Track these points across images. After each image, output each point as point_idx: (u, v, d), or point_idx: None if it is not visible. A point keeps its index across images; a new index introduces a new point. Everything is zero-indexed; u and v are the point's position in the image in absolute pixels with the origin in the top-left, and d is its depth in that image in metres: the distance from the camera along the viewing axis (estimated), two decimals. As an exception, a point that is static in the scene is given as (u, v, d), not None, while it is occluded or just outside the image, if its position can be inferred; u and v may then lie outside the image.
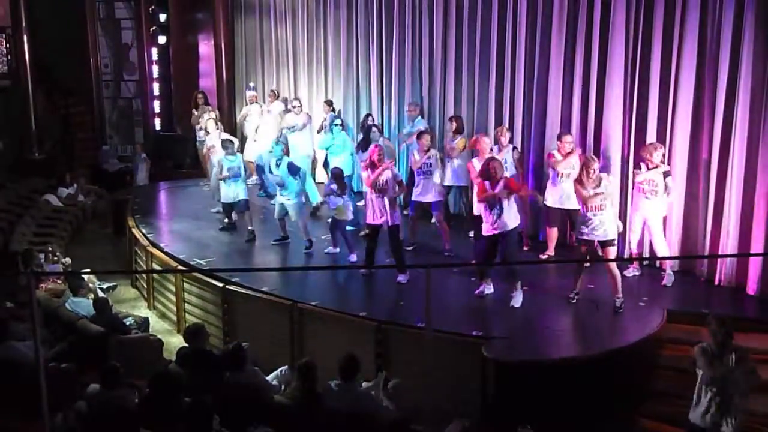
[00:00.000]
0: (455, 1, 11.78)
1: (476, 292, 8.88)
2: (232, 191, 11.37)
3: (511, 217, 8.48)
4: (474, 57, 11.63)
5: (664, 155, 9.00)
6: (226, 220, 11.85)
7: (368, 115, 12.60)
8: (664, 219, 9.25)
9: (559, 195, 9.78)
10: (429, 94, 12.42)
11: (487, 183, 8.47)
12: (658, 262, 9.51)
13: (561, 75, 10.44)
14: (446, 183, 10.84)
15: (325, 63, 14.31)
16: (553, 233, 10.12)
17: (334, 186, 10.21)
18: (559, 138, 9.81)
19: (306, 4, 14.55)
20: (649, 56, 9.42)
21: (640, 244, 9.41)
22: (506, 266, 8.65)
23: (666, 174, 8.92)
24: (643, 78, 9.52)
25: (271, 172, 10.88)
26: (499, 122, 11.30)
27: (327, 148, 12.58)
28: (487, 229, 8.55)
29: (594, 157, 8.83)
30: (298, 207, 10.71)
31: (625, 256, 9.57)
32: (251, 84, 15.38)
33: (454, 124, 11.07)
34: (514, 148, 10.34)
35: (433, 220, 10.47)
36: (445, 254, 10.17)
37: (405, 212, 10.63)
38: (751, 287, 8.73)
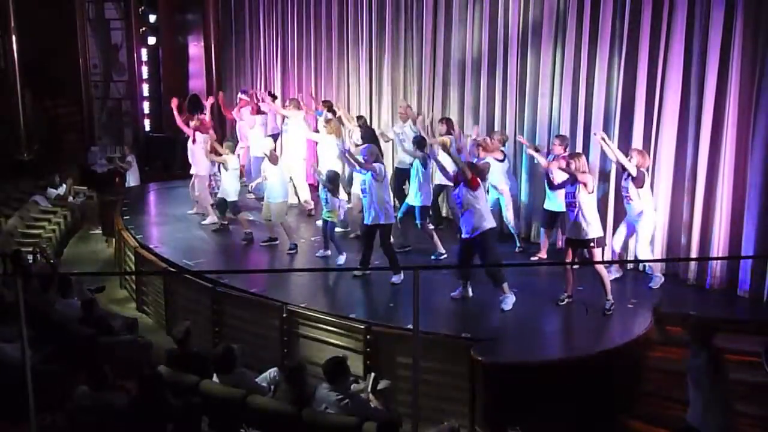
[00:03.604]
0: (444, 3, 11.82)
1: (453, 294, 8.91)
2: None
3: (482, 217, 8.48)
4: (465, 58, 11.67)
5: (639, 164, 8.85)
6: (218, 220, 11.85)
7: (359, 117, 12.59)
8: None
9: (548, 197, 9.83)
10: (418, 95, 12.44)
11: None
12: (646, 265, 9.53)
13: (550, 78, 10.49)
14: (435, 182, 10.88)
15: (315, 64, 14.30)
16: (546, 236, 10.18)
17: (328, 187, 10.17)
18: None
19: (296, 5, 14.53)
20: (636, 59, 9.44)
21: (622, 247, 9.36)
22: (488, 271, 8.66)
23: (634, 181, 8.83)
24: (629, 83, 9.54)
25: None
26: (491, 124, 11.35)
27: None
28: (463, 232, 8.63)
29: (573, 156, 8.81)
30: (281, 209, 10.73)
31: (608, 258, 9.59)
32: (245, 88, 15.29)
33: (445, 126, 11.09)
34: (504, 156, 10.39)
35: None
36: (432, 258, 10.18)
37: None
38: (742, 288, 8.77)
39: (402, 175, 11.60)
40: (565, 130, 10.24)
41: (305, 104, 13.04)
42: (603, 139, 9.01)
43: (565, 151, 9.66)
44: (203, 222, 12.16)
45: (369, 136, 11.64)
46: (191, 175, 12.67)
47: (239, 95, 14.17)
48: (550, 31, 10.42)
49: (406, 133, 11.63)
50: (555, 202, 9.66)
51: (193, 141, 12.41)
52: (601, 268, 8.43)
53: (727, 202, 8.78)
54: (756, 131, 8.47)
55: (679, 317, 8.11)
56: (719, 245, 8.86)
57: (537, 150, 9.96)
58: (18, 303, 4.75)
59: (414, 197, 10.27)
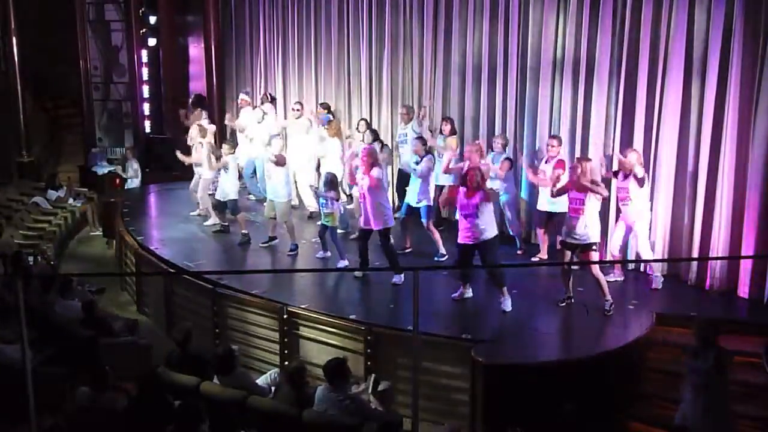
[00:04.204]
0: (445, 5, 11.82)
1: (454, 295, 8.90)
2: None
3: (488, 225, 8.47)
4: (465, 60, 11.67)
5: (638, 161, 8.88)
6: (219, 221, 11.83)
7: (362, 119, 12.55)
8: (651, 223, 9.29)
9: (545, 198, 9.83)
10: (419, 98, 12.43)
11: (462, 189, 8.51)
12: (645, 266, 9.53)
13: (550, 81, 10.49)
14: (438, 182, 10.87)
15: (316, 65, 14.29)
16: (544, 236, 10.17)
17: (331, 193, 10.12)
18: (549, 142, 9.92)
19: (297, 6, 14.53)
20: (636, 62, 9.46)
21: (621, 249, 9.36)
22: (490, 274, 8.66)
23: (639, 181, 8.83)
24: (630, 84, 9.55)
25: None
26: (490, 130, 11.35)
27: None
28: (460, 237, 8.58)
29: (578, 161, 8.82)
30: (286, 208, 10.72)
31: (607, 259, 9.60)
32: (247, 89, 15.26)
33: (448, 125, 11.08)
34: (507, 158, 10.37)
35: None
36: (435, 259, 10.18)
37: (395, 216, 10.61)
38: (743, 290, 8.77)
39: (405, 177, 11.56)
40: (564, 135, 10.23)
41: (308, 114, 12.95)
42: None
43: (558, 152, 9.70)
44: (206, 224, 12.15)
45: (373, 139, 11.57)
46: (192, 177, 12.67)
47: (241, 95, 14.15)
48: (550, 33, 10.42)
49: (407, 134, 11.62)
50: (550, 201, 9.65)
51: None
52: (596, 269, 8.42)
53: (728, 202, 8.78)
54: (756, 131, 8.48)
55: (683, 318, 8.13)
56: (719, 246, 8.86)
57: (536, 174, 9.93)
58: (18, 304, 4.75)
59: (415, 197, 10.26)
